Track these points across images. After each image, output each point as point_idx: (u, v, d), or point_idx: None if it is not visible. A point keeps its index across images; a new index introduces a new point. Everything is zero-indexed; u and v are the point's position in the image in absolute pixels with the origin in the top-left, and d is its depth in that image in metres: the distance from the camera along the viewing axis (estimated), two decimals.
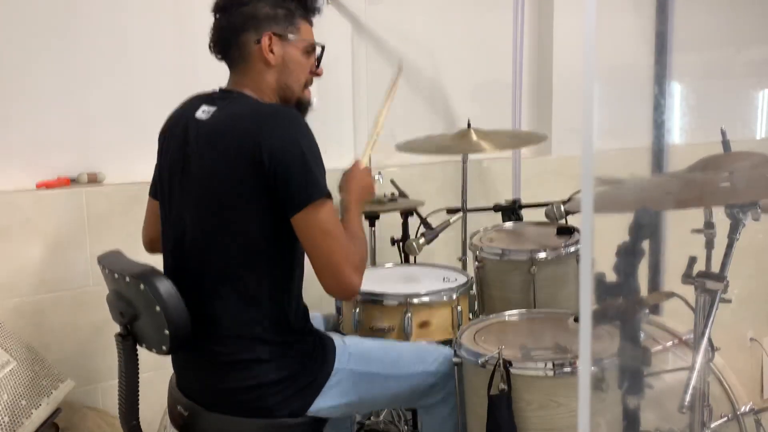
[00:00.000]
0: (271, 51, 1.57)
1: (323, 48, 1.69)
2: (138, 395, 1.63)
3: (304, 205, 1.44)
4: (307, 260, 1.64)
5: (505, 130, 2.85)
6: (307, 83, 1.68)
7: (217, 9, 1.60)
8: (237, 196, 1.48)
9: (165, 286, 1.48)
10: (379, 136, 2.03)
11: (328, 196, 1.48)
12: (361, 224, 1.66)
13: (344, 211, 1.65)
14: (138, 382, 1.62)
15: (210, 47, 1.62)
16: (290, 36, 1.60)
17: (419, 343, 1.83)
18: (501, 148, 2.35)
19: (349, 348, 1.65)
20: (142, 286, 1.47)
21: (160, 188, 1.66)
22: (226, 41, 1.60)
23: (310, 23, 1.68)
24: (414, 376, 1.68)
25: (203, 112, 1.57)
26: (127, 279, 1.52)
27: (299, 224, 1.46)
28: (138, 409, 1.63)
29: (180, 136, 1.59)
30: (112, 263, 1.61)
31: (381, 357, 1.68)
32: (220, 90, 1.63)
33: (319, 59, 1.69)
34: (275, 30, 1.57)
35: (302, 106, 1.67)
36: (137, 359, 1.61)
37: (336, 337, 1.67)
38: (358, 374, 1.63)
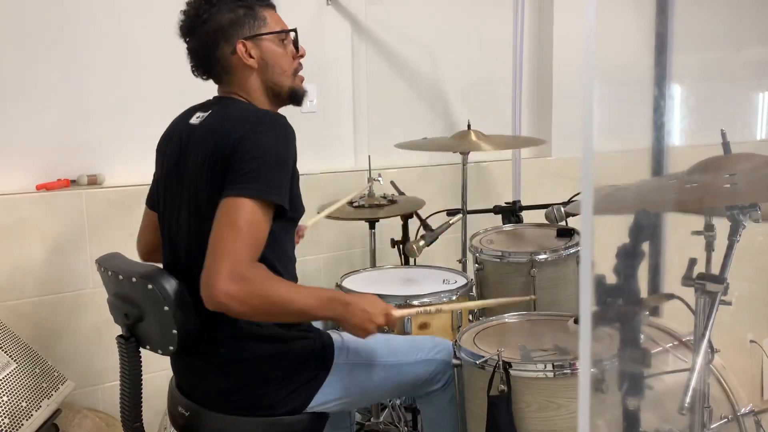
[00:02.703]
0: (250, 56, 1.56)
1: (295, 30, 1.63)
2: (141, 397, 1.63)
3: (233, 194, 1.37)
4: (298, 265, 1.64)
5: (505, 136, 2.85)
6: (296, 70, 1.64)
7: (184, 34, 1.59)
8: (210, 202, 1.45)
9: (172, 285, 1.48)
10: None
11: (267, 200, 1.39)
12: (305, 303, 1.44)
13: (334, 297, 1.53)
14: (141, 384, 1.62)
15: (192, 72, 1.62)
16: (261, 32, 1.57)
17: (416, 336, 1.83)
18: (501, 146, 2.35)
19: (347, 343, 1.66)
20: (149, 286, 1.47)
21: (158, 200, 1.65)
22: (205, 62, 1.59)
23: (272, 7, 1.62)
24: (413, 365, 1.69)
25: (197, 118, 1.57)
26: (134, 279, 1.52)
27: (219, 208, 1.39)
28: (141, 411, 1.64)
29: (176, 144, 1.60)
30: (114, 265, 1.61)
31: (379, 348, 1.68)
32: (214, 97, 1.64)
33: (295, 41, 1.63)
34: (245, 33, 1.55)
35: (297, 96, 1.64)
36: (140, 361, 1.62)
37: (333, 334, 1.67)
38: (357, 366, 1.64)
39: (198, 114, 1.59)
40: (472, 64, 3.13)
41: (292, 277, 1.60)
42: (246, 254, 1.35)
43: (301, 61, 1.65)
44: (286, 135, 1.47)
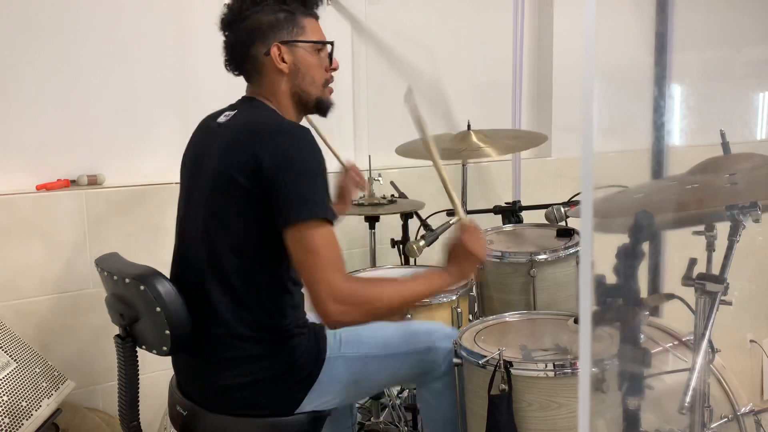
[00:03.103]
0: (283, 60, 1.57)
1: (332, 43, 1.66)
2: (138, 396, 1.64)
3: (293, 222, 1.42)
4: None
5: (506, 130, 2.85)
6: (327, 81, 1.66)
7: (224, 27, 1.61)
8: (230, 203, 1.49)
9: (165, 287, 1.49)
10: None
11: (323, 217, 1.43)
12: (418, 291, 1.55)
13: (429, 272, 1.62)
14: (138, 383, 1.63)
15: (225, 66, 1.64)
16: (297, 39, 1.59)
17: (410, 323, 1.83)
18: (502, 151, 2.35)
19: (340, 335, 1.66)
20: (142, 287, 1.48)
21: (180, 190, 1.68)
22: (238, 57, 1.61)
23: (315, 17, 1.66)
24: (409, 354, 1.69)
25: (224, 116, 1.60)
26: (127, 280, 1.52)
27: (287, 240, 1.44)
28: (138, 410, 1.64)
29: (200, 139, 1.63)
30: (110, 265, 1.62)
31: (372, 339, 1.68)
32: (243, 97, 1.65)
33: (330, 54, 1.67)
34: (282, 37, 1.57)
35: (323, 106, 1.66)
36: (137, 361, 1.62)
37: (327, 330, 1.67)
38: (350, 359, 1.63)
39: (226, 113, 1.61)
40: (472, 64, 3.13)
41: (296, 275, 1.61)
42: (334, 274, 1.42)
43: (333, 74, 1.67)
44: (315, 147, 1.48)
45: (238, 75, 1.65)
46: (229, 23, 1.60)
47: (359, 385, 1.66)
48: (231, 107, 1.64)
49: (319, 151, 1.48)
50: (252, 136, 1.48)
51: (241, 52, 1.60)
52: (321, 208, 1.44)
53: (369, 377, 1.67)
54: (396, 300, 1.52)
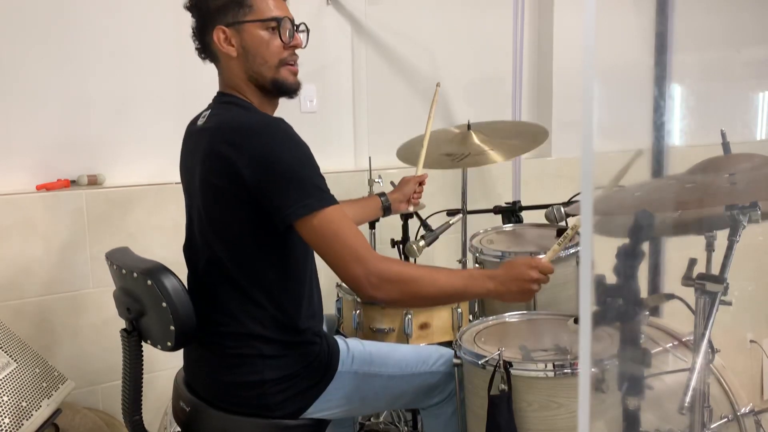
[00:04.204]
0: (230, 44, 1.52)
1: (284, 20, 1.54)
2: (141, 391, 1.64)
3: (298, 217, 1.41)
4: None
5: (505, 122, 2.84)
6: (285, 61, 1.56)
7: (189, 11, 1.59)
8: (220, 209, 1.49)
9: (172, 283, 1.49)
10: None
11: (326, 202, 1.43)
12: (455, 284, 1.50)
13: (473, 271, 1.60)
14: (142, 378, 1.64)
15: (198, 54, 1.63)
16: (244, 19, 1.51)
17: (421, 345, 1.83)
18: (505, 155, 2.34)
19: (353, 350, 1.66)
20: (149, 282, 1.48)
21: (183, 193, 1.68)
22: (200, 46, 1.59)
23: None
24: (416, 376, 1.69)
25: (202, 118, 1.58)
26: (135, 275, 1.53)
27: (302, 232, 1.45)
28: (141, 404, 1.65)
29: (187, 145, 1.63)
30: (120, 259, 1.63)
31: (383, 358, 1.68)
32: (216, 93, 1.63)
33: (290, 31, 1.55)
34: (225, 21, 1.51)
35: (282, 87, 1.57)
36: (142, 355, 1.63)
37: (339, 340, 1.68)
38: (360, 375, 1.63)
39: (203, 114, 1.60)
40: (472, 64, 3.13)
41: (301, 272, 1.60)
42: (362, 251, 1.42)
43: (302, 59, 1.62)
44: (291, 136, 1.46)
45: (212, 62, 1.61)
46: (188, 8, 1.57)
47: (364, 402, 1.67)
48: (208, 106, 1.61)
49: (295, 138, 1.45)
50: (224, 141, 1.45)
51: (198, 40, 1.58)
52: (317, 198, 1.42)
53: (375, 394, 1.66)
54: (429, 287, 1.47)
